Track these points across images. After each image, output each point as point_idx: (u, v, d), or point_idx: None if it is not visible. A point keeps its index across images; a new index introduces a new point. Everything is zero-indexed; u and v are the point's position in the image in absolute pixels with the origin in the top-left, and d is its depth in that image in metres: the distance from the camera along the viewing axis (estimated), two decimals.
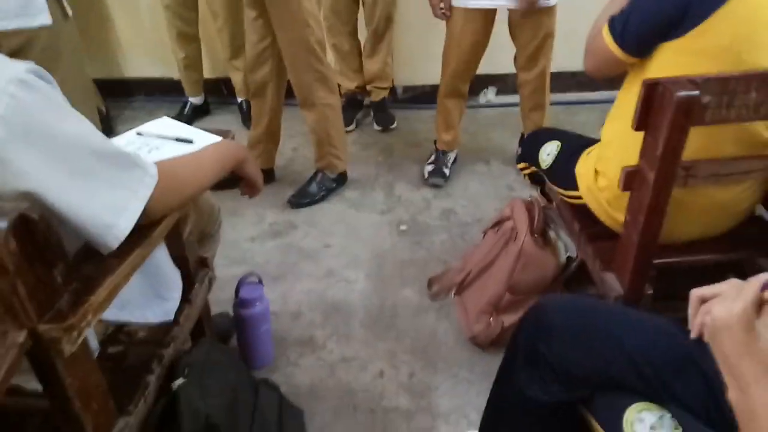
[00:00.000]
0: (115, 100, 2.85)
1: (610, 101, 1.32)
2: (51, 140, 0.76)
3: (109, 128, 2.71)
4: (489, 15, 2.07)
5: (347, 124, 2.75)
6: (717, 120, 1.02)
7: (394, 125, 2.84)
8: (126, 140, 1.17)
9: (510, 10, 2.08)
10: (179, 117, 2.85)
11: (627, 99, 1.20)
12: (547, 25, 2.09)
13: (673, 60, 1.10)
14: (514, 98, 2.46)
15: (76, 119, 0.80)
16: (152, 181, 0.87)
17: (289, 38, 1.96)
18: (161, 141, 1.17)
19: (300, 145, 2.66)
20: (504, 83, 2.98)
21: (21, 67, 0.76)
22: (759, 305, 0.65)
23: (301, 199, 2.25)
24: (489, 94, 3.05)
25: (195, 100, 2.88)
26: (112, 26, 2.93)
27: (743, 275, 1.30)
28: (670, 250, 1.25)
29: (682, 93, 0.95)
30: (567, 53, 2.32)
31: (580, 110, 2.87)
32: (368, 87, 2.82)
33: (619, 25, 1.16)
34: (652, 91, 1.00)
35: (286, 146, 2.62)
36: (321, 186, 2.27)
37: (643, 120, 1.03)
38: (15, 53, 1.70)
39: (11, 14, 1.65)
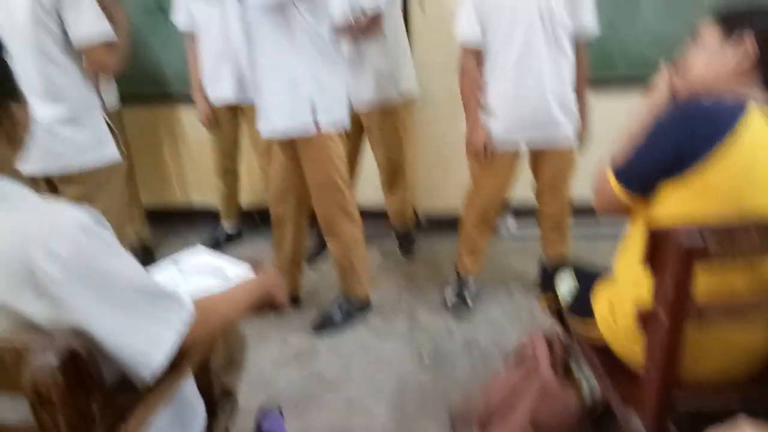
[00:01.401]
0: (157, 226, 3.03)
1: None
2: (102, 281, 0.84)
3: (150, 255, 2.86)
4: (519, 150, 2.22)
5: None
6: (722, 265, 1.07)
7: (417, 251, 2.92)
8: (163, 271, 1.26)
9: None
10: (214, 242, 3.01)
11: (635, 236, 1.27)
12: (570, 161, 2.20)
13: (676, 200, 1.16)
14: (535, 227, 2.53)
15: (124, 259, 0.89)
16: (187, 315, 0.94)
17: (316, 175, 2.10)
18: (196, 271, 1.26)
19: (326, 270, 2.75)
20: (524, 213, 3.07)
21: (82, 214, 0.86)
22: None
23: (325, 325, 2.29)
24: (509, 223, 3.15)
25: (230, 227, 3.04)
26: (161, 159, 3.19)
27: None
28: (694, 391, 1.24)
29: (686, 242, 1.01)
30: (588, 182, 2.39)
31: (603, 244, 2.92)
32: (391, 218, 2.94)
33: (623, 171, 1.25)
34: (657, 239, 1.06)
35: (311, 273, 2.72)
36: (344, 312, 2.32)
37: (651, 263, 1.09)
38: (72, 183, 1.90)
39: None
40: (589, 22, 2.06)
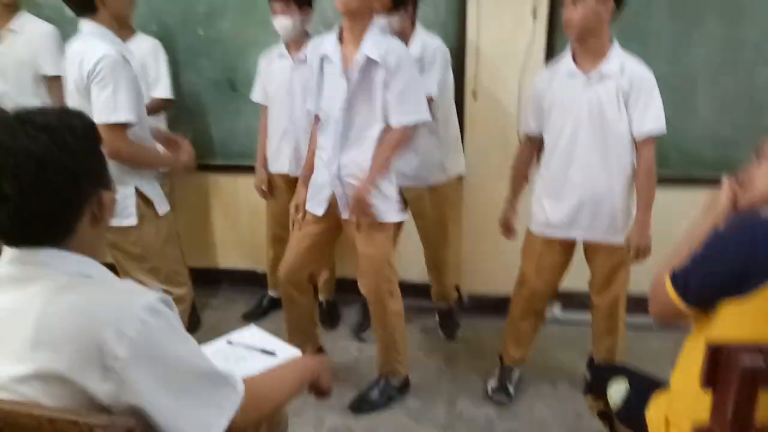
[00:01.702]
0: (203, 287, 3.11)
1: (683, 330, 1.33)
2: (165, 363, 0.87)
3: (196, 318, 2.93)
4: (569, 242, 2.18)
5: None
6: None
7: (459, 333, 2.88)
8: (217, 348, 1.29)
9: None
10: (258, 307, 3.08)
11: (693, 351, 1.23)
12: (621, 257, 2.14)
13: (737, 318, 1.14)
14: (581, 315, 2.47)
15: (186, 341, 0.93)
16: (238, 398, 0.96)
17: (372, 251, 2.12)
18: (248, 351, 1.29)
19: (365, 345, 2.73)
20: (569, 299, 3.00)
21: (152, 296, 0.91)
22: None
23: (362, 406, 2.25)
24: (555, 310, 3.08)
25: (275, 294, 3.09)
26: (211, 223, 3.32)
27: None
28: None
29: (748, 362, 0.98)
30: (641, 276, 2.33)
31: (653, 336, 2.81)
32: (433, 296, 2.92)
33: (681, 279, 1.23)
34: (718, 356, 1.03)
35: (351, 345, 2.72)
36: (383, 394, 2.28)
37: (710, 381, 1.05)
38: (111, 245, 2.02)
39: None
40: (652, 123, 2.00)
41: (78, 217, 0.92)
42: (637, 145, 2.05)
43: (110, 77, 1.82)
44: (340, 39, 2.02)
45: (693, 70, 2.68)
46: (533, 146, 2.25)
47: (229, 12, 2.92)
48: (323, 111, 2.08)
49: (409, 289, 2.99)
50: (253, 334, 1.37)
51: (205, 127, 3.11)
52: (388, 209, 2.10)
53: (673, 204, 2.71)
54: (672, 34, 2.65)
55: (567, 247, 2.21)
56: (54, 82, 2.61)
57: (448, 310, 2.93)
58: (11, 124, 0.88)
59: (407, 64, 2.00)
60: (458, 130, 2.67)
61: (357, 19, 1.95)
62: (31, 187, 0.86)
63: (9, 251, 0.91)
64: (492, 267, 2.98)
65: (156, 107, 2.77)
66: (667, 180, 2.71)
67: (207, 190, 3.26)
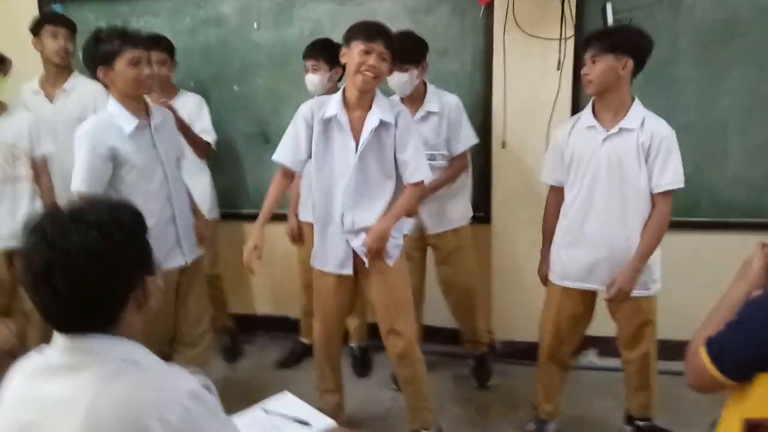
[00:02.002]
0: (242, 333, 3.20)
1: None
2: None
3: (236, 348, 3.10)
4: (588, 292, 2.17)
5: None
6: None
7: (492, 382, 2.86)
8: (253, 418, 1.33)
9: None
10: (290, 354, 3.12)
11: (731, 425, 1.20)
12: (645, 313, 2.12)
13: None
14: (618, 361, 2.42)
15: (226, 426, 0.97)
16: None
17: (396, 296, 2.17)
18: (282, 421, 1.33)
19: (398, 395, 2.72)
20: (606, 345, 2.95)
21: (194, 382, 0.95)
22: None
23: None
24: (590, 356, 3.03)
25: (307, 341, 3.12)
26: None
27: None
28: None
29: None
30: (675, 321, 2.29)
31: None
32: (465, 343, 2.91)
33: (716, 348, 1.21)
34: None
35: (383, 395, 2.72)
36: None
37: None
38: None
39: None
40: (671, 179, 2.00)
41: (124, 304, 0.98)
42: (654, 198, 2.04)
43: (77, 149, 2.03)
44: (344, 103, 2.10)
45: (722, 117, 2.67)
46: (560, 196, 2.25)
47: (263, 69, 3.06)
48: (328, 172, 2.14)
49: (438, 335, 3.01)
50: (287, 403, 1.40)
51: (239, 177, 3.22)
52: (395, 254, 2.17)
53: (705, 249, 2.68)
54: (700, 82, 2.66)
55: (587, 297, 2.19)
56: None
57: (482, 355, 2.91)
58: (64, 221, 0.94)
59: (414, 125, 2.17)
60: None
61: (372, 89, 2.06)
62: (81, 281, 0.92)
63: (59, 339, 0.96)
64: (524, 313, 2.95)
65: (205, 150, 2.89)
66: (698, 225, 2.69)
67: (241, 238, 3.34)
